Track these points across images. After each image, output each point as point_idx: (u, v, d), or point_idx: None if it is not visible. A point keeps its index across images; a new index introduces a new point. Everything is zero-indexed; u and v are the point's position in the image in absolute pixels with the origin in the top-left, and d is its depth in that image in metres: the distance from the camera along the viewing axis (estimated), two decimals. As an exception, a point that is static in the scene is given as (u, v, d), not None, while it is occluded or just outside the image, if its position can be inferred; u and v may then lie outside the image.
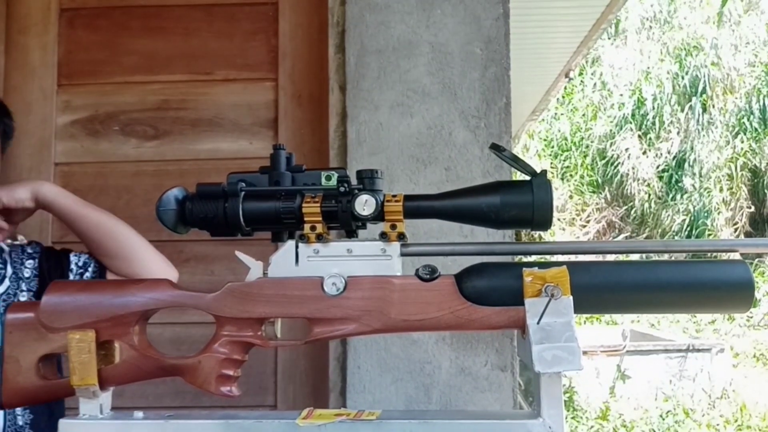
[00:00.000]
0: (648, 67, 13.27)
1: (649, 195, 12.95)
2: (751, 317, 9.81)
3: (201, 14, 1.87)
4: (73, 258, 1.42)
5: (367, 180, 0.82)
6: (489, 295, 0.81)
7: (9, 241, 1.41)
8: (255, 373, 1.77)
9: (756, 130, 12.65)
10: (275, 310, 0.82)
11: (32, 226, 1.66)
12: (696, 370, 6.85)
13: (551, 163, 13.39)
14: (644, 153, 13.09)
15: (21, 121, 1.84)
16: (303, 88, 1.84)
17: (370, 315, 0.81)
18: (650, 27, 13.42)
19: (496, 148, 0.81)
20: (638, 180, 12.99)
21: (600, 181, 13.40)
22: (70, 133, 1.85)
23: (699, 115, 12.78)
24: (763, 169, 12.68)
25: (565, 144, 13.67)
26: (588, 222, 13.17)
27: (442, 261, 0.85)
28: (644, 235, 12.59)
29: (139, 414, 0.83)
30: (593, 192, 13.38)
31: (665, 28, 13.41)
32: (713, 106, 12.81)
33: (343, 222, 0.82)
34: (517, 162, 0.82)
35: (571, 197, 13.28)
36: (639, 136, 13.16)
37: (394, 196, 0.82)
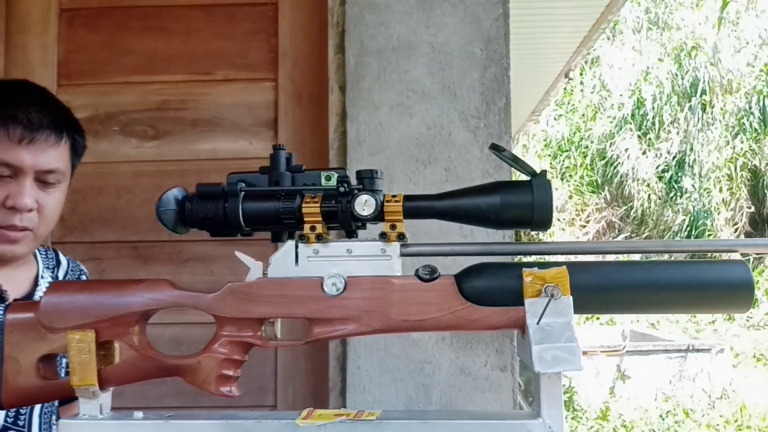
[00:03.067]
0: (647, 67, 13.27)
1: (649, 195, 12.95)
2: (751, 317, 9.81)
3: (201, 14, 1.87)
4: None
5: (367, 180, 0.82)
6: (489, 295, 0.81)
7: None
8: (255, 373, 1.77)
9: (756, 130, 12.65)
10: (275, 310, 0.82)
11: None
12: (696, 370, 6.85)
13: (551, 163, 13.38)
14: (644, 153, 13.08)
15: (21, 121, 1.84)
16: (303, 88, 1.84)
17: (369, 315, 0.81)
18: (649, 28, 13.42)
19: (495, 148, 0.81)
20: (638, 180, 12.98)
21: (600, 181, 13.39)
22: (70, 133, 1.85)
23: (699, 115, 12.78)
24: (763, 170, 12.68)
25: (565, 144, 13.67)
26: (588, 222, 13.17)
27: (442, 261, 0.85)
28: (644, 235, 12.58)
29: (139, 414, 0.83)
30: (593, 192, 13.37)
31: (663, 30, 13.40)
32: (713, 107, 12.81)
33: (342, 222, 0.82)
34: (516, 162, 0.82)
35: (570, 197, 13.27)
36: (639, 136, 13.16)
37: (393, 196, 0.82)
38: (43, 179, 1.16)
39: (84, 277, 1.38)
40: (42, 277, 1.28)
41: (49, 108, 1.18)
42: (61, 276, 1.32)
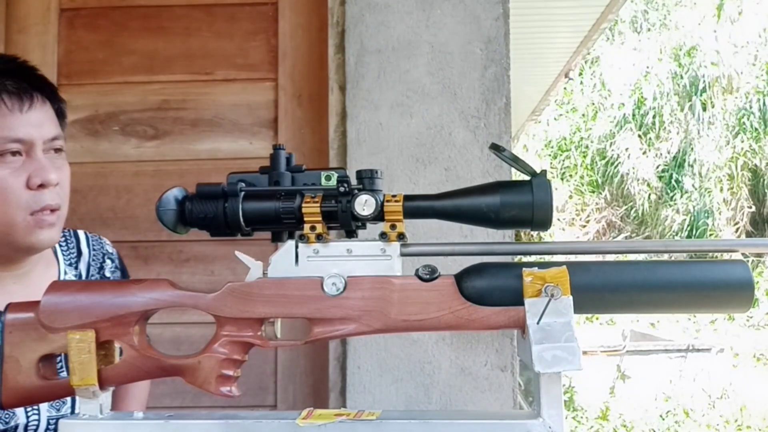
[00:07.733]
0: (648, 67, 13.27)
1: (649, 195, 12.95)
2: (751, 317, 9.82)
3: (201, 14, 1.87)
4: None
5: (367, 180, 0.82)
6: (489, 295, 0.81)
7: None
8: (255, 373, 1.77)
9: (756, 130, 12.66)
10: (275, 310, 0.82)
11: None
12: (696, 370, 6.85)
13: (551, 163, 13.39)
14: (644, 153, 13.09)
15: (21, 121, 1.84)
16: (303, 88, 1.84)
17: (370, 315, 0.81)
18: (648, 29, 13.42)
19: (495, 148, 0.81)
20: (638, 180, 12.99)
21: (600, 181, 13.40)
22: (70, 133, 1.83)
23: (699, 115, 12.78)
24: (763, 169, 12.68)
25: (565, 144, 13.67)
26: (588, 222, 13.17)
27: (442, 261, 0.85)
28: (644, 235, 12.59)
29: (139, 414, 0.83)
30: (593, 192, 13.38)
31: (661, 27, 13.41)
32: (713, 106, 12.81)
33: (342, 222, 0.82)
34: (516, 162, 0.82)
35: (570, 197, 13.28)
36: (639, 136, 13.16)
37: (393, 196, 0.82)
38: (52, 148, 1.11)
39: (109, 262, 1.32)
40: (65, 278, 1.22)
41: (27, 72, 1.12)
42: (83, 270, 1.26)
